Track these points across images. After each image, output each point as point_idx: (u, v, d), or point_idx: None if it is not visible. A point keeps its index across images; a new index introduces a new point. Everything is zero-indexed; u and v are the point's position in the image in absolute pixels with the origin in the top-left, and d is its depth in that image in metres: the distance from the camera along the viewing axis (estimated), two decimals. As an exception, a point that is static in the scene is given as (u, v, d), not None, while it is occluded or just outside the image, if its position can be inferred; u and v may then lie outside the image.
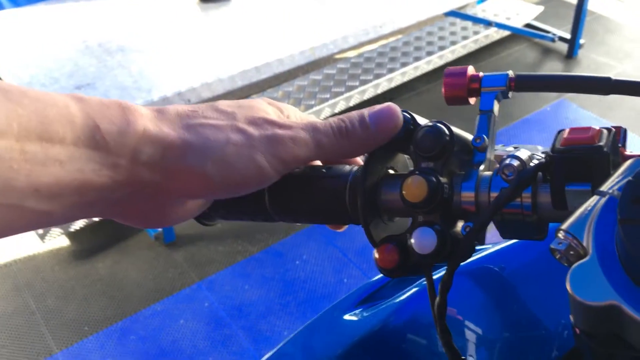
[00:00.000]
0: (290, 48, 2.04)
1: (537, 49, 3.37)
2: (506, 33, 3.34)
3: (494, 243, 0.61)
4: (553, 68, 3.22)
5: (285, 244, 2.25)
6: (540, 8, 3.47)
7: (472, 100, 0.46)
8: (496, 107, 0.45)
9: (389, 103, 0.42)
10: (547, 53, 3.33)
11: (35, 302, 2.08)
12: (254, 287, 2.09)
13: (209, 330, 1.96)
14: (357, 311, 0.59)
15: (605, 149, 0.36)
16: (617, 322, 0.30)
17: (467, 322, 0.58)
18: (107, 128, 0.34)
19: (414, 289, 0.58)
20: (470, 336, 0.58)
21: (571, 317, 0.33)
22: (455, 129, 0.42)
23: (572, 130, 0.38)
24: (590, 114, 2.83)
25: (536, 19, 3.43)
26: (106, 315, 2.02)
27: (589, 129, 0.37)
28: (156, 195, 0.38)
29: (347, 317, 0.59)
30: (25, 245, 2.27)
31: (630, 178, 0.31)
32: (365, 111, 0.42)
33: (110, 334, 1.96)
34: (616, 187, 0.33)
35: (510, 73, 0.45)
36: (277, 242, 2.26)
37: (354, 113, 0.42)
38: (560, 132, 0.38)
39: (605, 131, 0.37)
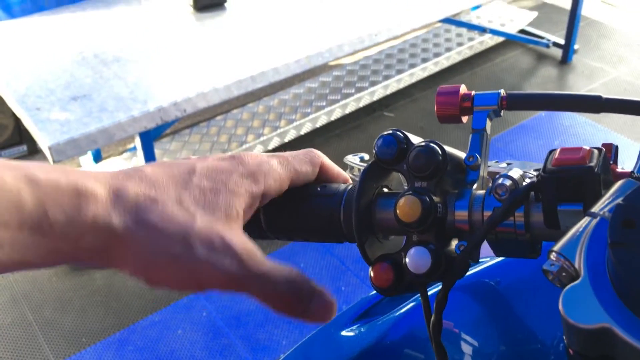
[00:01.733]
0: (286, 57, 2.05)
1: (531, 54, 3.39)
2: (501, 39, 3.36)
3: (489, 257, 0.62)
4: (547, 74, 3.24)
5: (283, 253, 2.25)
6: (534, 14, 3.49)
7: (464, 119, 0.46)
8: (488, 125, 0.45)
9: (334, 302, 0.42)
10: (542, 59, 3.35)
11: (33, 313, 2.07)
12: (252, 296, 2.09)
13: (207, 340, 1.96)
14: (354, 327, 0.59)
15: (596, 170, 0.36)
16: (609, 344, 0.30)
17: (463, 336, 0.58)
18: (56, 216, 0.34)
19: (411, 304, 0.58)
20: (466, 350, 0.58)
21: (565, 338, 0.33)
22: (448, 148, 0.43)
23: (563, 150, 0.38)
24: (585, 119, 2.84)
25: (530, 24, 3.44)
26: (104, 326, 2.02)
27: (579, 149, 0.37)
28: (94, 267, 0.39)
29: (344, 333, 0.59)
30: (22, 256, 2.27)
31: (619, 201, 0.31)
32: (320, 295, 0.41)
33: (108, 345, 1.96)
34: (607, 208, 0.34)
35: (502, 92, 0.45)
36: (275, 250, 2.26)
37: (313, 289, 0.42)
38: (551, 152, 0.39)
39: (595, 151, 0.38)
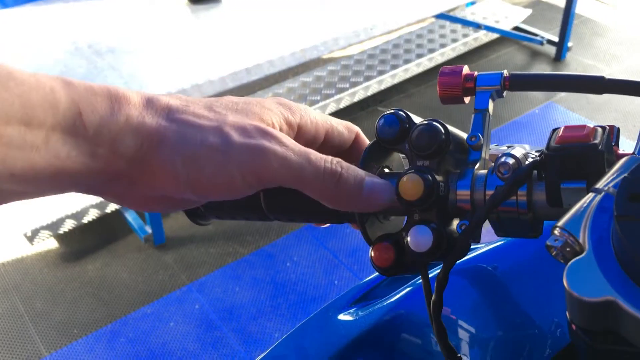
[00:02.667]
0: (281, 49, 2.04)
1: (525, 51, 3.40)
2: (495, 36, 3.36)
3: (486, 242, 0.62)
4: (541, 71, 3.25)
5: (276, 245, 2.25)
6: (529, 11, 3.50)
7: (466, 100, 0.46)
8: (491, 106, 0.45)
9: (389, 183, 0.41)
10: (536, 56, 3.35)
11: (24, 305, 2.06)
12: (245, 289, 2.09)
13: (200, 333, 1.95)
14: (351, 310, 0.59)
15: (600, 147, 0.36)
16: (613, 317, 0.30)
17: (460, 321, 0.58)
18: (89, 116, 0.34)
19: (408, 288, 0.58)
20: (464, 335, 0.58)
21: (567, 314, 0.33)
22: (450, 128, 0.43)
23: (567, 128, 0.38)
24: (579, 116, 2.85)
25: (524, 22, 3.45)
26: (95, 317, 2.01)
27: (584, 127, 0.37)
28: (131, 186, 0.37)
29: (341, 316, 0.59)
30: (14, 247, 2.26)
31: (626, 175, 0.31)
32: (366, 175, 0.40)
33: (99, 337, 1.95)
34: (611, 184, 0.34)
35: (505, 72, 0.45)
36: (268, 244, 2.25)
37: (356, 170, 0.40)
38: (555, 130, 0.39)
39: (599, 129, 0.38)
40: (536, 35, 3.35)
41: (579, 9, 3.54)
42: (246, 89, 2.84)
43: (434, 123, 0.42)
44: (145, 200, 0.39)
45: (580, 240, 0.32)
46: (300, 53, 2.07)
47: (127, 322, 1.99)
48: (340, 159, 0.39)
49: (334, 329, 0.58)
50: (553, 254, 0.34)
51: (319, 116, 0.43)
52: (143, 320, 2.00)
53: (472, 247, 0.62)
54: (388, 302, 0.57)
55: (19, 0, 2.39)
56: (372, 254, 0.43)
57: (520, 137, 2.74)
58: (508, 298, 0.60)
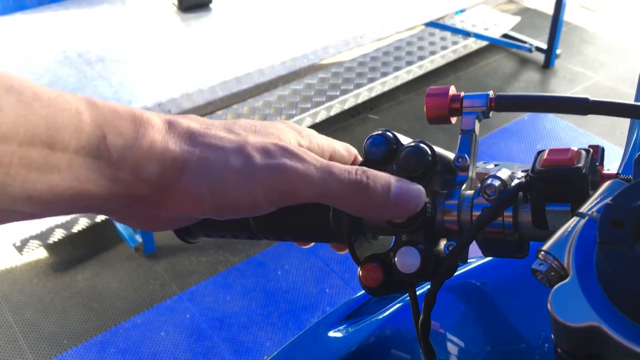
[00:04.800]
0: (271, 58, 2.05)
1: (514, 59, 3.42)
2: (484, 43, 3.38)
3: (476, 258, 0.62)
4: (530, 78, 3.27)
5: (267, 254, 2.25)
6: (517, 19, 3.52)
7: (453, 120, 0.46)
8: (477, 126, 0.45)
9: (419, 186, 0.40)
10: (525, 63, 3.38)
11: (13, 315, 2.05)
12: (236, 298, 2.09)
13: (190, 342, 1.94)
14: (341, 327, 0.59)
15: (584, 171, 0.37)
16: (597, 342, 0.31)
17: (450, 336, 0.59)
18: (114, 139, 0.34)
19: (398, 305, 0.58)
20: (453, 350, 0.58)
21: (553, 337, 0.33)
22: (437, 149, 0.43)
23: (551, 151, 0.38)
24: (567, 123, 2.87)
25: (513, 29, 3.48)
26: (86, 328, 2.00)
27: (568, 150, 0.38)
28: (150, 208, 0.37)
29: (331, 333, 0.59)
30: (3, 257, 2.24)
31: (608, 201, 0.31)
32: (394, 180, 0.39)
33: (89, 347, 1.94)
34: (595, 208, 0.34)
35: (491, 93, 0.45)
36: (259, 252, 2.25)
37: (383, 175, 0.39)
38: (540, 152, 0.39)
39: (583, 152, 0.38)
40: (525, 42, 3.38)
41: (568, 16, 3.57)
42: (237, 97, 2.84)
43: (421, 145, 0.42)
44: (157, 222, 0.39)
45: (565, 265, 0.33)
46: (290, 62, 2.07)
47: (118, 332, 1.98)
48: (365, 168, 0.39)
49: (324, 346, 0.58)
50: (539, 277, 0.34)
51: (324, 139, 0.44)
52: (134, 330, 1.99)
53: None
54: (378, 318, 0.57)
55: (8, 9, 2.39)
56: (361, 274, 0.43)
57: (509, 144, 2.75)
58: (496, 313, 0.60)
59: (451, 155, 0.45)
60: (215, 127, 0.38)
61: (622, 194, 0.31)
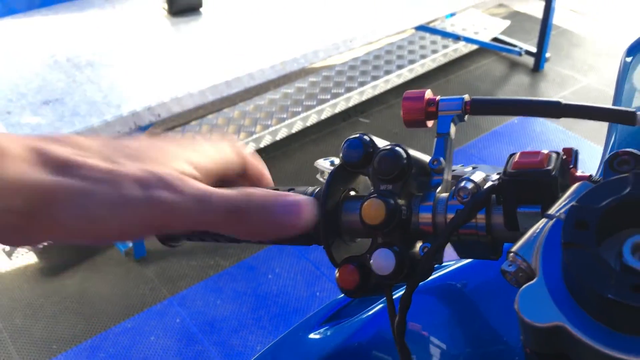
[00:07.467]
0: (261, 62, 2.05)
1: (504, 62, 3.44)
2: (474, 47, 3.40)
3: (455, 260, 0.62)
4: (520, 81, 3.29)
5: (258, 258, 2.25)
6: (507, 22, 3.54)
7: (429, 123, 0.47)
8: (452, 129, 0.46)
9: (305, 198, 0.38)
10: (514, 66, 3.40)
11: (3, 320, 2.04)
12: (226, 302, 2.08)
13: (181, 347, 1.94)
14: (321, 329, 0.59)
15: (553, 173, 0.37)
16: (563, 342, 0.31)
17: (430, 338, 0.59)
18: None
19: (379, 306, 0.59)
20: (433, 351, 0.59)
21: (521, 337, 0.34)
22: (412, 152, 0.43)
23: (523, 154, 0.39)
24: (557, 126, 2.88)
25: (503, 33, 3.49)
26: (75, 333, 1.99)
27: (538, 153, 0.38)
28: (20, 236, 0.36)
29: (312, 335, 0.59)
30: (-8, 262, 2.23)
31: (574, 203, 0.32)
32: (276, 195, 0.38)
33: (79, 352, 1.93)
34: (563, 210, 0.35)
35: (466, 97, 0.46)
36: (250, 256, 2.25)
37: (265, 196, 0.38)
38: (512, 155, 0.40)
39: (554, 155, 0.39)
40: (515, 46, 3.40)
41: (558, 20, 3.59)
42: (228, 101, 2.84)
43: (396, 148, 0.43)
44: (22, 242, 0.37)
45: (533, 266, 0.33)
46: (280, 66, 2.08)
47: (108, 336, 1.98)
48: (247, 191, 0.38)
49: (305, 347, 0.58)
50: (507, 278, 0.35)
51: (213, 150, 0.42)
52: (123, 335, 1.98)
53: (442, 264, 0.63)
54: (358, 320, 0.58)
55: (-2, 13, 2.39)
56: (338, 276, 0.43)
57: (500, 147, 2.77)
58: (477, 315, 0.61)
59: (427, 158, 0.45)
60: (92, 154, 0.37)
61: (587, 196, 0.32)
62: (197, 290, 2.13)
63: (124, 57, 2.06)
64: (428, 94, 0.46)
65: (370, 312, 0.58)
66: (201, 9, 2.36)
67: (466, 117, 0.46)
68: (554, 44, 3.47)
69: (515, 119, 2.94)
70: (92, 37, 2.18)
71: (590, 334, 0.30)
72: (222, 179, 0.43)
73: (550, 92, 3.19)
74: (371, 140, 0.44)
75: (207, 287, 2.14)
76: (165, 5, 2.32)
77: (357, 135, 0.45)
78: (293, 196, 0.38)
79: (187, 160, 0.39)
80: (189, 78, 1.96)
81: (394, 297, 0.46)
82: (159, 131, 2.69)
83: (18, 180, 0.33)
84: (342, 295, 0.65)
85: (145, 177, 0.36)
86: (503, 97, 0.45)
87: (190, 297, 2.10)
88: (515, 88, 3.22)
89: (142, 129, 2.12)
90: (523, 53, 3.34)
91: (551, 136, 2.83)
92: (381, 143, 0.45)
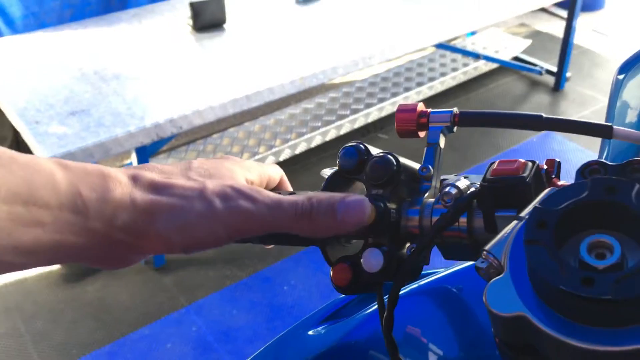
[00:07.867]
0: (281, 77, 2.10)
1: (524, 81, 3.45)
2: (494, 65, 3.42)
3: (452, 264, 0.65)
4: (540, 100, 3.30)
5: (274, 269, 2.28)
6: (528, 42, 3.56)
7: (421, 134, 0.50)
8: (442, 140, 0.49)
9: (363, 197, 0.44)
10: (535, 86, 3.41)
11: (25, 324, 2.10)
12: (242, 312, 2.12)
13: (196, 355, 1.98)
14: (319, 328, 0.62)
15: (527, 180, 0.40)
16: (527, 331, 0.34)
17: (426, 341, 0.62)
18: (88, 195, 0.39)
19: (375, 307, 0.62)
20: (429, 354, 0.61)
21: (492, 328, 0.37)
22: (403, 160, 0.47)
23: (501, 162, 0.42)
24: (576, 145, 2.89)
25: (524, 52, 3.51)
26: (94, 338, 2.04)
27: (515, 161, 0.41)
28: (125, 250, 0.42)
29: (311, 332, 0.62)
30: (17, 267, 2.30)
31: (537, 205, 0.35)
32: (338, 198, 0.43)
33: (98, 357, 1.98)
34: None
35: (455, 110, 0.49)
36: (266, 267, 2.29)
37: (327, 198, 0.43)
38: (492, 163, 0.43)
39: (529, 164, 0.42)
40: (535, 65, 3.41)
41: (579, 40, 3.60)
42: (249, 115, 2.90)
43: (387, 156, 0.46)
44: (127, 261, 0.44)
45: (502, 263, 0.36)
46: (299, 81, 2.13)
47: (125, 343, 2.02)
48: (312, 195, 0.44)
49: (304, 345, 0.61)
50: (480, 274, 0.38)
51: (260, 168, 0.49)
52: (141, 342, 2.03)
53: (437, 269, 0.66)
54: (355, 319, 0.61)
55: (29, 27, 2.48)
56: (332, 274, 0.47)
57: (518, 165, 2.77)
58: (472, 318, 0.63)
59: (417, 166, 0.49)
60: (175, 176, 0.44)
61: (549, 199, 0.35)
62: (213, 300, 2.17)
63: (149, 71, 2.13)
64: (420, 106, 0.50)
65: (367, 312, 0.61)
66: (225, 25, 2.43)
67: (455, 128, 0.50)
68: (574, 64, 3.48)
69: (534, 137, 2.95)
70: (118, 51, 2.26)
71: (548, 324, 0.33)
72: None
73: (570, 111, 3.20)
74: (366, 148, 0.48)
75: (223, 297, 2.18)
76: (190, 22, 2.39)
77: (353, 143, 0.48)
78: (353, 196, 0.44)
79: (244, 176, 0.47)
80: (211, 91, 2.02)
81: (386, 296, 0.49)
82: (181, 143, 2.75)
83: (124, 199, 0.40)
84: (342, 295, 0.68)
85: (225, 190, 0.43)
86: (489, 111, 0.48)
87: (206, 307, 2.14)
88: (535, 107, 3.23)
89: (165, 140, 2.18)
90: (544, 72, 3.35)
91: (570, 155, 2.84)
92: (375, 151, 0.49)
